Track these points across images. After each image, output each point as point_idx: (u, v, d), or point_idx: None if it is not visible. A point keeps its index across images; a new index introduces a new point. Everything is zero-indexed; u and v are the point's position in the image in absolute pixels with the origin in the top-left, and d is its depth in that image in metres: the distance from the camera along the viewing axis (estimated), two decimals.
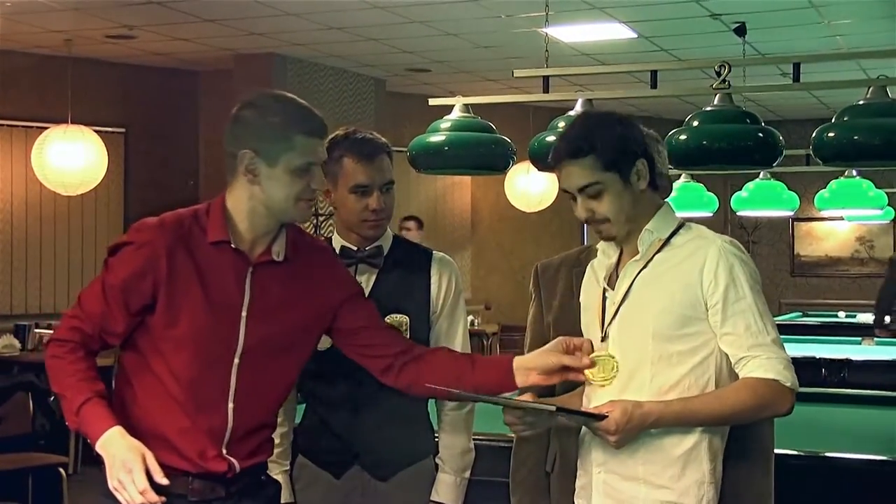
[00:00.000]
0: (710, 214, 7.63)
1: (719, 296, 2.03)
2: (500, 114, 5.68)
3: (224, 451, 2.11)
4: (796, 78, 4.06)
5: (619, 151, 2.09)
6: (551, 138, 4.35)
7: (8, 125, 7.34)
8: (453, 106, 4.62)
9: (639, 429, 1.99)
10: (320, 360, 2.47)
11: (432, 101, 4.86)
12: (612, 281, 2.17)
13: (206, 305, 2.08)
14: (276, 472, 2.50)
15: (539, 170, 4.68)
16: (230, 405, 2.11)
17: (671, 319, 2.04)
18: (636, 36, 6.77)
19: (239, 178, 2.12)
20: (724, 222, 8.54)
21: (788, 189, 7.66)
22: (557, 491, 2.41)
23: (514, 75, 4.72)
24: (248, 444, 2.16)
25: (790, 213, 8.37)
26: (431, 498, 2.50)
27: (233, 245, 2.11)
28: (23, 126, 7.36)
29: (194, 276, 2.08)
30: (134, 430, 2.03)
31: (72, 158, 6.66)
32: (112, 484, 1.94)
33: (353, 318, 2.26)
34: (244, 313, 2.11)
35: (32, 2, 5.90)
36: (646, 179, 2.11)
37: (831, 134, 3.90)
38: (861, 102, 3.96)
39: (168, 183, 8.11)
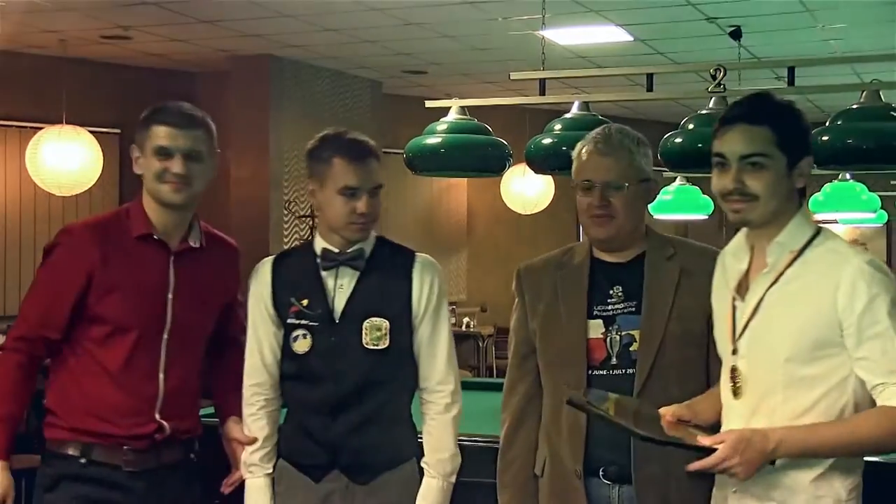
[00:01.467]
0: (706, 217, 7.63)
1: (855, 319, 1.91)
2: (496, 116, 5.69)
3: (157, 416, 2.46)
4: (791, 81, 4.06)
5: (797, 138, 2.02)
6: (547, 141, 4.36)
7: (2, 125, 7.30)
8: (450, 108, 4.63)
9: (760, 454, 1.88)
10: (299, 364, 2.46)
11: (429, 104, 4.85)
12: (741, 290, 2.07)
13: (137, 290, 2.43)
14: (260, 475, 2.50)
15: (535, 172, 4.68)
16: (161, 375, 2.47)
17: (805, 341, 1.94)
18: (632, 39, 6.77)
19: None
20: (719, 225, 8.53)
21: None
22: (546, 495, 2.37)
23: (511, 78, 4.72)
24: (175, 407, 2.49)
25: None
26: (417, 502, 2.46)
27: (155, 236, 2.47)
28: (17, 126, 7.32)
29: (124, 266, 2.43)
30: (73, 407, 2.42)
31: (66, 159, 6.63)
32: None
33: (224, 320, 2.67)
34: (170, 296, 2.46)
35: (27, 2, 5.89)
36: (805, 179, 2.03)
37: (825, 137, 3.92)
38: (855, 106, 3.98)
39: None
